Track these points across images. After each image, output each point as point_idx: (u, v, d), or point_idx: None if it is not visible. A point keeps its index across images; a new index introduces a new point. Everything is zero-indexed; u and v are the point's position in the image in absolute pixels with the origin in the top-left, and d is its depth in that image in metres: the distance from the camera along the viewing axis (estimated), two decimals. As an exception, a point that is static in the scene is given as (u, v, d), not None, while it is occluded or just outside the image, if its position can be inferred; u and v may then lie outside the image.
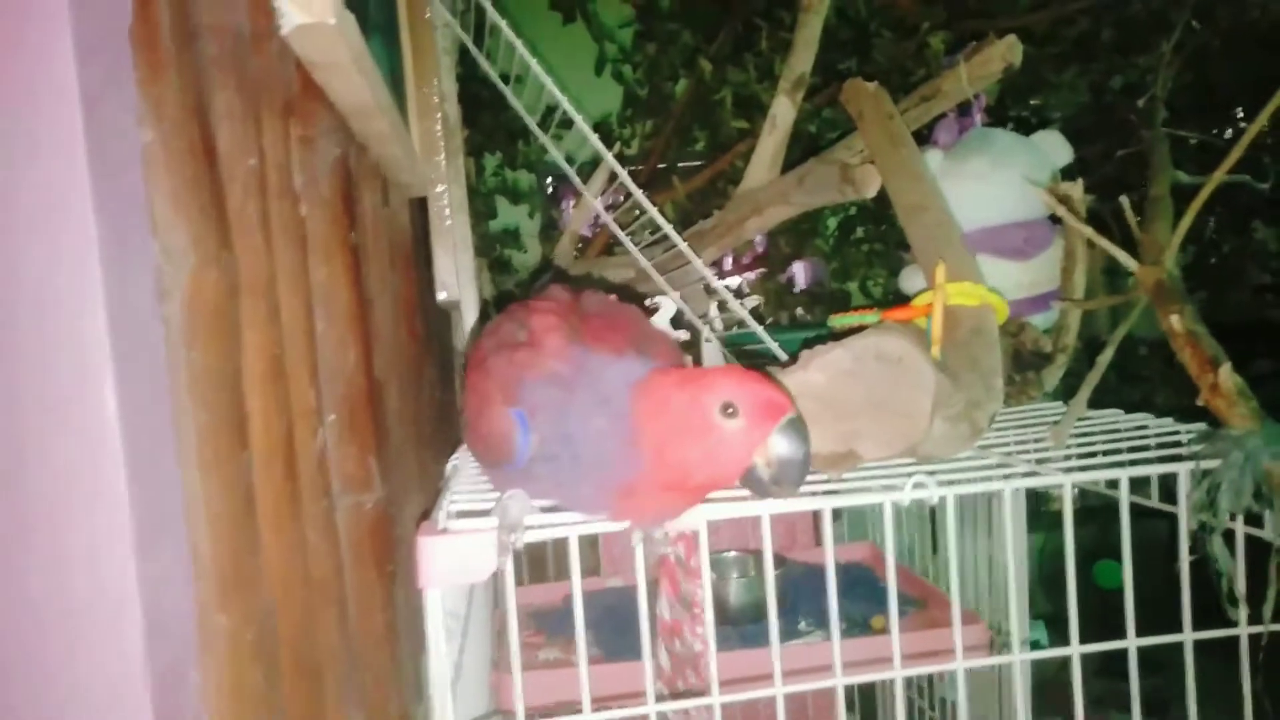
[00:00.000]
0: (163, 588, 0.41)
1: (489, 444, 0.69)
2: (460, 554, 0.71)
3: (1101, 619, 0.82)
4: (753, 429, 0.63)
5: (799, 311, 2.19)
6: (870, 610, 1.34)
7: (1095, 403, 1.06)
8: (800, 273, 2.35)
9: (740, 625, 1.29)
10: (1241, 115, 1.89)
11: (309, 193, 0.67)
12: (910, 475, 0.77)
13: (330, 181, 0.70)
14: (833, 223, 2.02)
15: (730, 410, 0.62)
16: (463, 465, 1.06)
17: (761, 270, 2.18)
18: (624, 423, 0.64)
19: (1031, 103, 1.81)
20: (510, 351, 0.69)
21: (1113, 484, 0.80)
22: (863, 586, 1.45)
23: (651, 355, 0.71)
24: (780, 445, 0.64)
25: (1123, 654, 0.79)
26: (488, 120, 2.17)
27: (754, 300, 2.31)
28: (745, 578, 1.38)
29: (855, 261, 1.90)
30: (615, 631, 1.22)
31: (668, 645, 1.08)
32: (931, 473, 0.84)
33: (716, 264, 2.26)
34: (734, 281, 2.32)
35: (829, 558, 0.78)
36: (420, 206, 1.39)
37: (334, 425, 0.69)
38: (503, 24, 1.22)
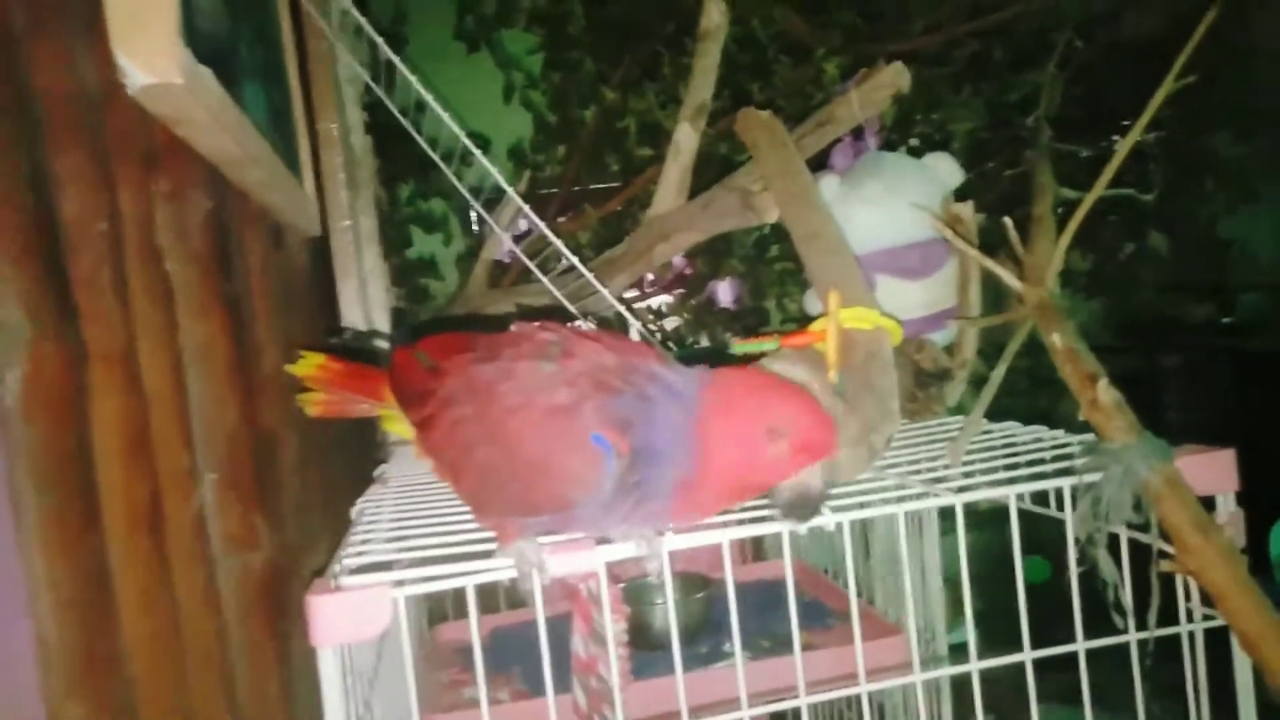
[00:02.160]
0: (4, 681, 0.39)
1: (560, 486, 0.65)
2: (355, 611, 0.69)
3: (1033, 614, 0.85)
4: (794, 459, 0.67)
5: (719, 331, 2.21)
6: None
7: (1004, 411, 1.10)
8: (723, 291, 2.37)
9: (668, 649, 1.28)
10: (1128, 126, 1.97)
11: (178, 249, 0.65)
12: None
13: (202, 235, 0.68)
14: (747, 241, 2.04)
15: (779, 436, 0.65)
16: (368, 509, 1.04)
17: (680, 291, 2.19)
18: (692, 422, 0.66)
19: (933, 117, 1.86)
20: (557, 379, 0.65)
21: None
22: (806, 613, 1.46)
23: (675, 365, 0.71)
24: (809, 483, 0.68)
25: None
26: (398, 149, 2.15)
27: (673, 321, 2.33)
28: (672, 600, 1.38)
29: (769, 280, 1.93)
30: (541, 666, 1.20)
31: (583, 682, 1.07)
32: (828, 496, 0.86)
33: (637, 284, 2.28)
34: (654, 302, 2.33)
35: (730, 584, 0.80)
36: (325, 242, 1.37)
37: (214, 485, 0.67)
38: (396, 60, 1.21)
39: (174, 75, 0.50)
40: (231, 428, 0.70)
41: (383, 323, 1.83)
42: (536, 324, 0.72)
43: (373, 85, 1.44)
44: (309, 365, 0.91)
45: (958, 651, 1.59)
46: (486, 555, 0.75)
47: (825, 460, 0.68)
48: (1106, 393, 0.84)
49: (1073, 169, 1.66)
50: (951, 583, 1.49)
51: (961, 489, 0.83)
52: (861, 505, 0.80)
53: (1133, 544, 0.84)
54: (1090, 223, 1.03)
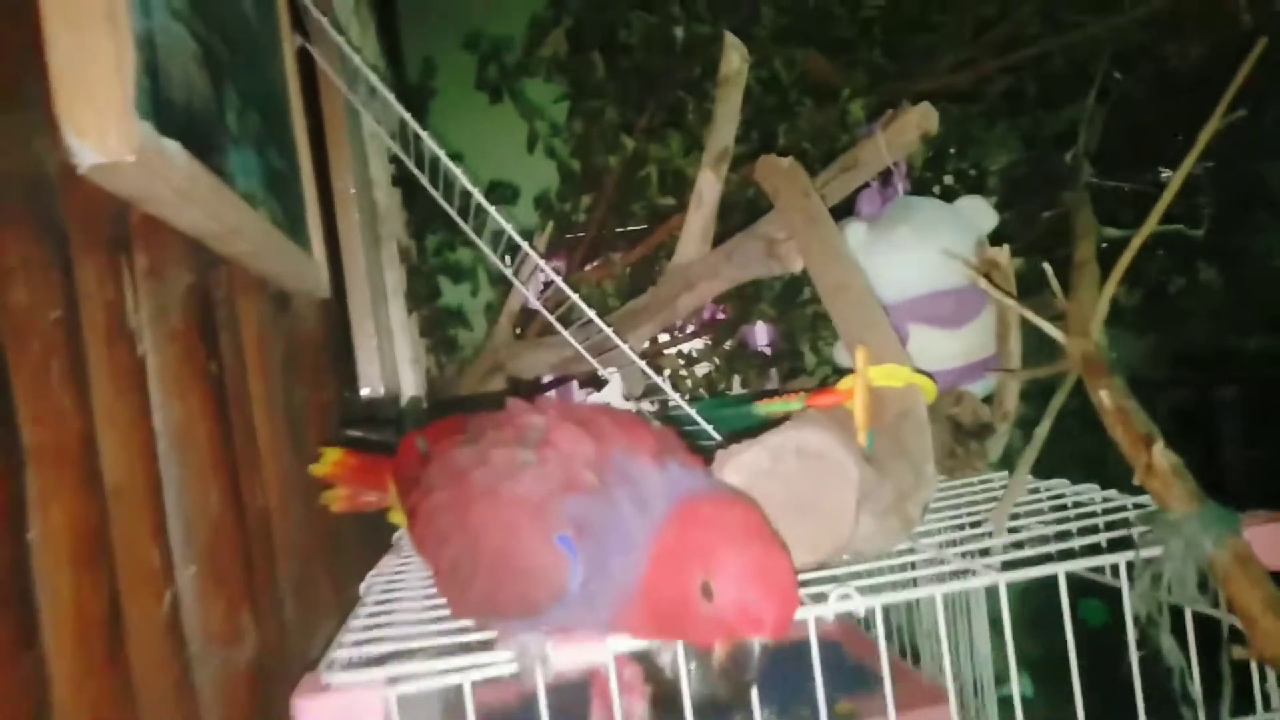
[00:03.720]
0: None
1: (524, 588, 0.59)
2: (344, 713, 0.64)
3: (1090, 656, 0.78)
4: (724, 624, 0.58)
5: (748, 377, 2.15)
6: (837, 690, 1.28)
7: (1049, 455, 1.02)
8: (757, 334, 2.31)
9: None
10: (1171, 161, 1.90)
11: (155, 328, 0.62)
12: (835, 583, 0.72)
13: (183, 311, 0.65)
14: (776, 285, 1.98)
15: (710, 595, 0.57)
16: (377, 585, 0.99)
17: (708, 338, 2.14)
18: (646, 542, 0.59)
19: (966, 155, 1.80)
20: (528, 469, 0.61)
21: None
22: (829, 665, 1.38)
23: (678, 456, 0.65)
24: (745, 650, 0.58)
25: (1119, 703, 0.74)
26: (428, 200, 2.14)
27: (705, 366, 2.27)
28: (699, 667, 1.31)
29: (801, 325, 1.87)
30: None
31: (606, 765, 1.00)
32: (858, 573, 0.80)
33: (668, 329, 2.23)
34: (686, 346, 2.29)
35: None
36: (343, 299, 1.35)
37: (194, 579, 0.63)
38: (413, 122, 1.18)
39: (126, 153, 0.47)
40: (215, 514, 0.66)
41: (409, 379, 1.80)
42: (527, 404, 0.67)
43: (391, 144, 1.43)
44: (327, 462, 0.88)
45: (1006, 706, 1.50)
46: (489, 645, 0.70)
47: (758, 643, 0.57)
48: (1163, 457, 0.77)
49: (1115, 205, 1.59)
50: (997, 627, 1.40)
51: (1006, 564, 0.76)
52: (895, 586, 0.74)
53: (1200, 619, 0.76)
54: (1137, 258, 0.96)
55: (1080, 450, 1.17)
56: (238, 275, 0.79)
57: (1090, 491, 0.98)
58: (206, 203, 0.59)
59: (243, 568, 0.70)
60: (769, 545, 0.59)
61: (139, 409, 0.58)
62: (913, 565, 0.86)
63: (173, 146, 0.53)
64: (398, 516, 0.88)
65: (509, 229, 1.19)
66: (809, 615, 0.71)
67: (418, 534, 0.70)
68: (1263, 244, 2.00)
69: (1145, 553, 0.74)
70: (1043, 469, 1.02)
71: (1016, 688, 0.77)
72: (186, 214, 0.58)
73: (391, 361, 1.66)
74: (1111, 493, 0.96)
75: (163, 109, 0.55)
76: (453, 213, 1.37)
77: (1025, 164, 1.70)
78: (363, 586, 0.98)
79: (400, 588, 0.98)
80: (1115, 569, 0.77)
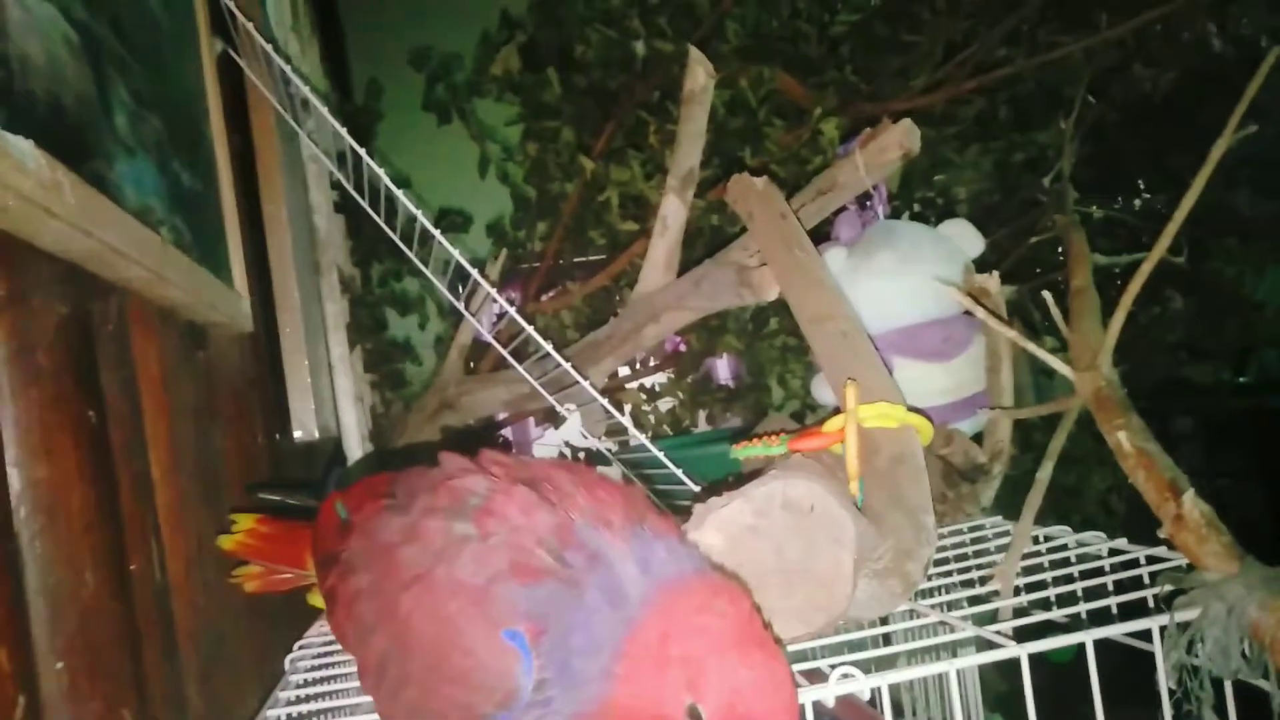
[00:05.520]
0: None
1: (465, 694, 0.48)
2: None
3: (1055, 696, 0.71)
4: None
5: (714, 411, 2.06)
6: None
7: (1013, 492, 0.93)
8: (721, 368, 2.22)
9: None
10: (1144, 187, 1.86)
11: (13, 370, 0.50)
12: (834, 661, 0.62)
13: (53, 349, 0.53)
14: (743, 316, 1.90)
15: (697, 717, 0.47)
16: (303, 659, 0.87)
17: (674, 370, 2.04)
18: (621, 640, 0.48)
19: (936, 180, 1.74)
20: (467, 546, 0.50)
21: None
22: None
23: (650, 522, 0.54)
24: None
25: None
26: (374, 228, 2.03)
27: (668, 402, 2.17)
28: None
29: (769, 357, 1.78)
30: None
31: None
32: (860, 640, 0.70)
33: (629, 363, 2.13)
34: (649, 380, 2.19)
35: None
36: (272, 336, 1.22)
37: (61, 677, 0.51)
38: (357, 147, 1.08)
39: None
40: (88, 598, 0.54)
41: (352, 418, 1.68)
42: (465, 461, 0.56)
43: (330, 166, 1.32)
44: (239, 532, 0.76)
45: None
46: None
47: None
48: (1194, 507, 0.68)
49: (1088, 232, 1.53)
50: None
51: (1023, 631, 0.67)
52: (902, 659, 0.64)
53: (1242, 688, 0.67)
54: (1110, 289, 0.89)
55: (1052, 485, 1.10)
56: (133, 305, 0.68)
57: (1096, 542, 0.90)
58: (74, 217, 0.48)
59: (128, 659, 0.58)
60: (765, 654, 0.49)
61: (-16, 473, 0.47)
62: (915, 632, 0.76)
63: (23, 145, 0.42)
64: (317, 599, 0.76)
65: (456, 255, 1.09)
66: (807, 699, 0.61)
67: (337, 624, 0.58)
68: (1231, 272, 1.97)
69: (1180, 616, 0.66)
70: (1013, 510, 0.94)
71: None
72: (50, 230, 0.47)
73: (329, 400, 1.53)
74: (1121, 542, 0.87)
75: (14, 99, 0.44)
76: (397, 239, 1.26)
77: (999, 190, 1.64)
78: (288, 661, 0.86)
79: (333, 661, 0.86)
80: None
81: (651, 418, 2.00)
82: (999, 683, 1.49)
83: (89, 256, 0.55)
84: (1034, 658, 0.63)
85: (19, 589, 0.49)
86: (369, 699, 0.66)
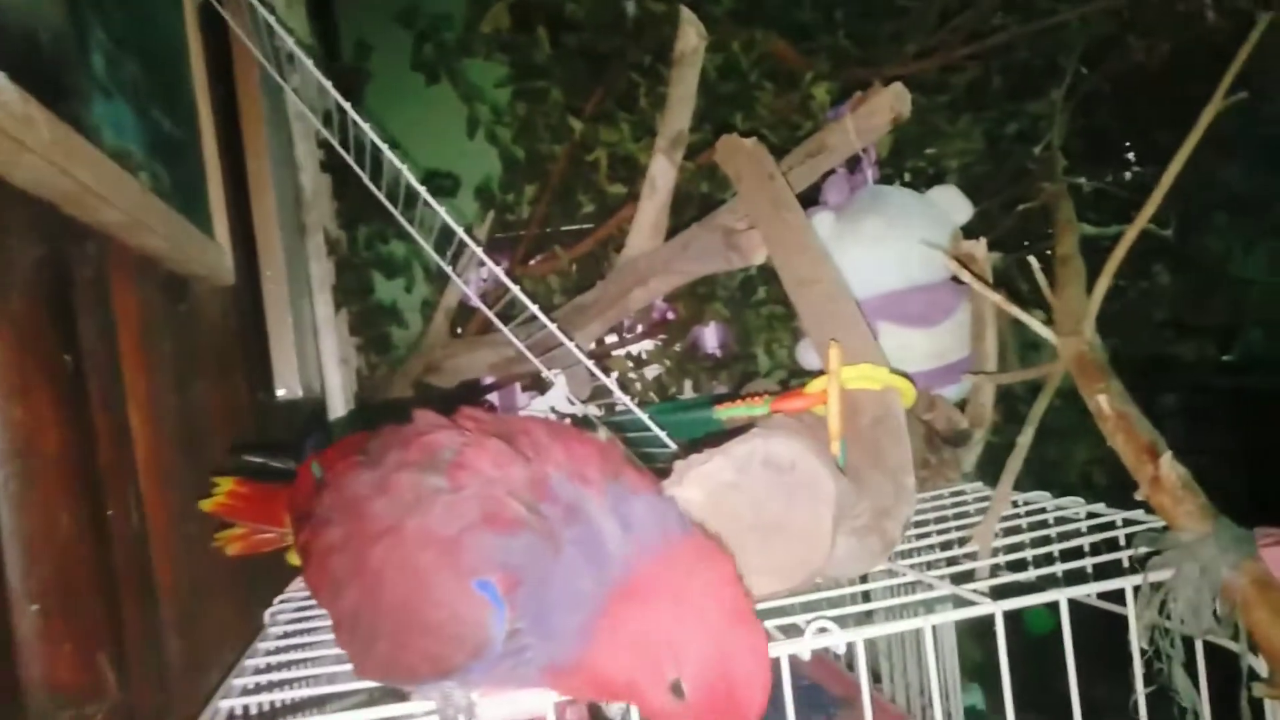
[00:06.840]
0: None
1: (436, 646, 0.48)
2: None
3: (1035, 666, 0.72)
4: None
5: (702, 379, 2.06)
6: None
7: (1032, 455, 0.94)
8: (707, 336, 2.22)
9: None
10: (1134, 160, 1.86)
11: (-14, 311, 0.50)
12: (811, 616, 0.63)
13: (25, 291, 0.53)
14: (731, 283, 1.89)
15: (679, 692, 0.47)
16: (283, 612, 0.87)
17: (661, 337, 2.04)
18: (601, 600, 0.48)
19: (927, 152, 1.73)
20: (438, 498, 0.49)
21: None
22: (805, 701, 1.30)
23: (627, 479, 0.54)
24: None
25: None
26: (361, 189, 2.01)
27: (654, 369, 2.17)
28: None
29: (756, 325, 1.78)
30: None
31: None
32: (838, 598, 0.71)
33: (616, 330, 2.13)
34: (635, 348, 2.18)
35: None
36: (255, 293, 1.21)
37: (36, 619, 0.51)
38: (345, 104, 1.06)
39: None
40: (63, 542, 0.54)
41: (336, 380, 1.67)
42: (439, 417, 0.56)
43: (315, 122, 1.30)
44: (220, 493, 0.76)
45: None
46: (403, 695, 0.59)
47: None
48: (1171, 469, 0.69)
49: (1076, 203, 1.53)
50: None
51: (999, 590, 0.67)
52: (880, 615, 0.65)
53: (1212, 649, 0.68)
54: (1097, 261, 0.90)
55: (1032, 458, 1.10)
56: (113, 252, 0.67)
57: (1074, 506, 0.91)
58: (49, 153, 0.47)
59: (103, 604, 0.58)
60: (748, 628, 0.49)
61: (-44, 411, 0.46)
62: (893, 591, 0.77)
63: (-5, 77, 0.42)
64: (295, 557, 0.76)
65: (444, 215, 1.08)
66: (782, 652, 0.62)
67: (311, 579, 0.58)
68: (1220, 247, 1.97)
69: (1153, 576, 0.66)
70: (994, 477, 0.95)
71: (1011, 716, 0.68)
72: (24, 165, 0.46)
73: (314, 361, 1.53)
74: (1099, 507, 0.88)
75: (-15, 30, 0.43)
76: (385, 200, 1.25)
77: (990, 159, 1.64)
78: (268, 614, 0.86)
79: (311, 616, 0.86)
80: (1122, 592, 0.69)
81: (638, 385, 2.00)
82: (976, 652, 1.51)
83: (65, 197, 0.54)
84: (1012, 629, 0.64)
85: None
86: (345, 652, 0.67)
